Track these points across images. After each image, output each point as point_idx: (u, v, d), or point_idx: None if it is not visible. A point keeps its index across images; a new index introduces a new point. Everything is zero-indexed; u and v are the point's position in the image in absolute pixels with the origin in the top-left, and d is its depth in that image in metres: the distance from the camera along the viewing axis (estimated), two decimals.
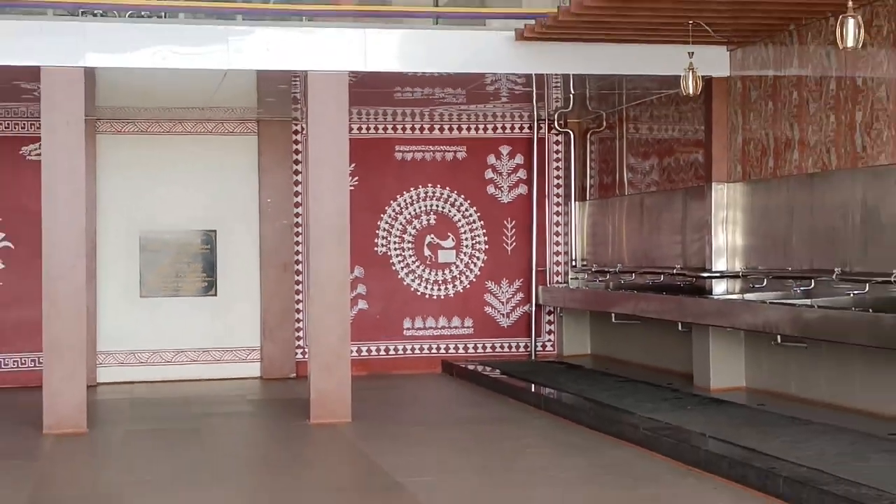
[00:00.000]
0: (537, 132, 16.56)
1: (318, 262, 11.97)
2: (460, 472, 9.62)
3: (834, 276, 10.78)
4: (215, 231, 15.84)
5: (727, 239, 13.00)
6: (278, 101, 14.37)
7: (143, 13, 12.06)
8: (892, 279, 9.88)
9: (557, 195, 16.84)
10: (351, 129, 12.52)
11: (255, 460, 10.48)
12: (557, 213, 16.84)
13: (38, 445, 10.68)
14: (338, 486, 9.00)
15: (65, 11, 11.77)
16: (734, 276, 12.85)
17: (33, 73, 11.37)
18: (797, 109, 11.75)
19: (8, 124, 14.75)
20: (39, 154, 11.68)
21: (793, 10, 10.87)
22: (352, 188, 13.24)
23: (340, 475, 9.58)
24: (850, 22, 8.96)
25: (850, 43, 9.09)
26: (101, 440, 11.08)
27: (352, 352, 12.57)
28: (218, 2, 12.15)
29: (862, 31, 9.17)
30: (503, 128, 16.65)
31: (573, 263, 16.76)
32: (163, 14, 12.18)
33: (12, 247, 14.85)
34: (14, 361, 14.60)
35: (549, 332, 16.75)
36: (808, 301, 11.04)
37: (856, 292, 10.39)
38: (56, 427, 11.10)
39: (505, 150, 16.62)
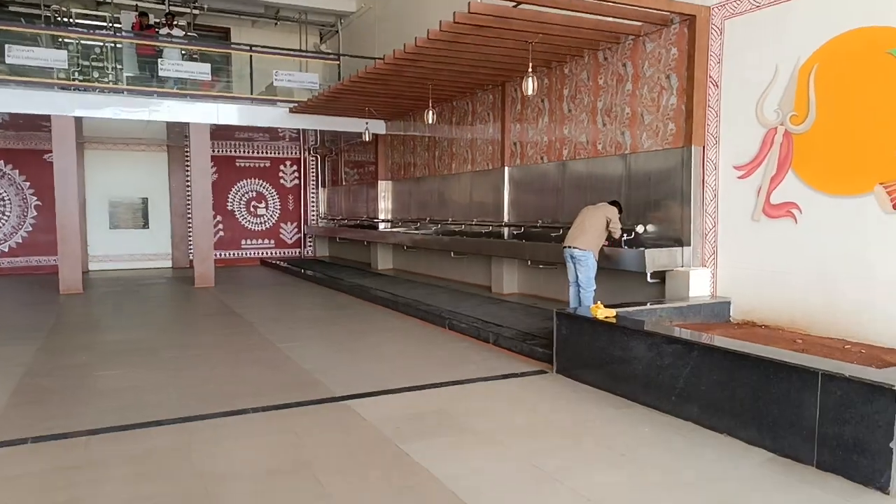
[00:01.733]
0: (303, 155, 16.39)
1: (197, 213, 11.73)
2: (265, 304, 9.80)
3: (427, 221, 11.39)
4: (148, 198, 14.95)
5: (385, 205, 13.30)
6: (177, 135, 13.76)
7: (104, 90, 11.48)
8: (449, 222, 10.67)
9: (313, 184, 16.63)
10: (213, 150, 12.35)
11: (167, 302, 10.17)
12: (313, 193, 16.62)
13: (58, 298, 10.30)
14: (206, 313, 9.04)
15: (64, 87, 11.03)
16: (388, 221, 13.13)
17: (47, 118, 10.70)
18: (413, 150, 12.14)
19: (36, 143, 13.57)
20: (52, 158, 10.95)
21: (408, 106, 11.22)
22: (213, 178, 13.19)
23: (208, 308, 9.46)
24: (431, 113, 9.75)
25: (430, 121, 9.88)
26: (89, 296, 10.63)
27: (215, 255, 12.31)
28: (145, 87, 11.58)
29: (435, 116, 10.04)
30: (287, 152, 16.22)
31: (320, 215, 16.63)
32: (116, 91, 11.56)
33: (41, 203, 13.72)
34: (46, 260, 13.63)
35: (309, 246, 16.60)
36: (415, 231, 11.64)
37: (435, 227, 11.09)
38: (66, 290, 10.73)
39: (288, 163, 16.29)
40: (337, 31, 15.26)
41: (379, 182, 13.34)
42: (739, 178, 6.10)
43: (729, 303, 6.13)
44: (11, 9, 13.11)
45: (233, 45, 13.96)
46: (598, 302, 5.49)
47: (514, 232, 9.15)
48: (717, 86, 6.27)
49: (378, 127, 12.83)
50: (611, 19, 6.57)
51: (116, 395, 4.96)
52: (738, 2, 6.08)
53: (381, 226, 13.18)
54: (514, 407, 4.69)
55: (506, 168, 9.30)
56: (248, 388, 5.12)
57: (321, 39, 15.89)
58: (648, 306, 5.81)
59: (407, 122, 12.35)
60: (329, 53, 14.57)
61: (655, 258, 6.39)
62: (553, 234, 8.14)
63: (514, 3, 5.80)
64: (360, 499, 3.20)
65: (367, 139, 12.09)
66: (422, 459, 3.62)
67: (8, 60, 10.30)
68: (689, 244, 6.43)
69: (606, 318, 5.17)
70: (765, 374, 3.83)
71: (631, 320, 5.18)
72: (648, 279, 6.47)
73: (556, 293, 8.38)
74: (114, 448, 3.85)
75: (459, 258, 10.42)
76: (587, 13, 6.25)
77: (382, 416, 4.38)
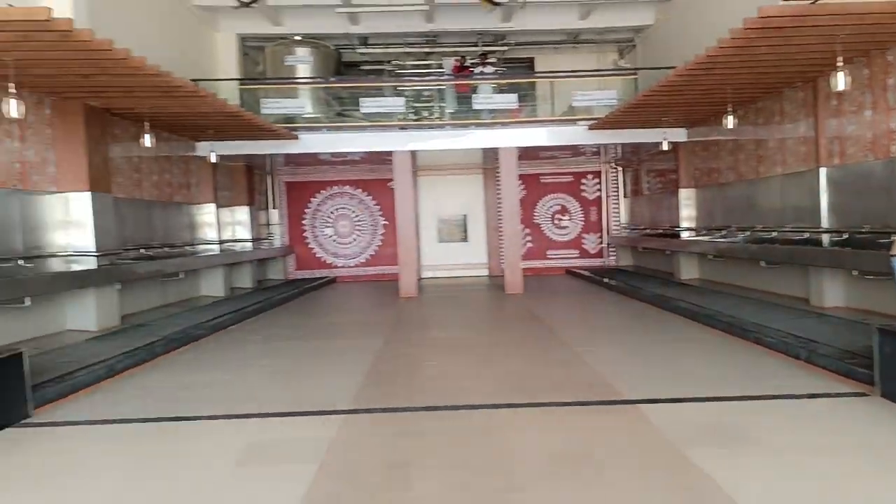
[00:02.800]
0: (603, 167, 16.58)
1: (508, 227, 12.67)
2: (567, 311, 10.25)
3: (733, 228, 10.72)
4: (467, 214, 16.52)
5: (687, 213, 12.80)
6: (490, 159, 14.86)
7: (431, 126, 13.13)
8: (757, 229, 9.91)
9: (614, 195, 16.64)
10: (520, 169, 13.18)
11: (482, 306, 11.24)
12: (614, 204, 16.60)
13: (398, 301, 11.92)
14: (513, 317, 9.80)
15: (400, 128, 12.84)
16: (691, 229, 12.60)
17: (389, 153, 12.58)
18: (715, 155, 11.56)
19: (381, 174, 15.78)
20: (393, 185, 12.82)
21: (708, 111, 10.70)
22: (521, 195, 14.13)
23: (516, 312, 10.16)
24: (731, 118, 9.31)
25: (730, 126, 9.40)
26: (422, 299, 12.12)
27: (523, 265, 13.00)
28: (463, 120, 13.05)
29: (736, 120, 9.47)
30: (588, 166, 16.51)
31: (622, 225, 16.56)
32: (440, 126, 13.21)
33: (387, 223, 16.12)
34: (390, 269, 15.43)
35: (612, 255, 16.65)
36: (720, 240, 11.02)
37: (742, 235, 10.43)
38: (405, 294, 12.38)
39: (589, 176, 16.60)
40: (635, 46, 15.21)
41: (680, 190, 12.91)
42: None
43: None
44: (363, 67, 15.88)
45: (536, 74, 14.84)
46: None
47: (835, 238, 8.13)
48: None
49: (677, 135, 12.47)
50: None
51: (439, 381, 5.84)
52: None
53: (684, 234, 12.73)
54: (820, 427, 4.31)
55: (821, 168, 8.35)
56: (545, 385, 5.56)
57: (620, 55, 15.96)
58: None
59: (708, 128, 11.79)
60: (626, 69, 14.58)
61: None
62: (881, 241, 7.07)
63: (812, 0, 5.31)
64: (638, 492, 3.35)
65: (666, 148, 11.84)
66: (706, 466, 3.61)
67: (362, 110, 12.58)
68: None
69: None
70: None
71: None
72: None
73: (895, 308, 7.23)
74: (436, 423, 4.60)
75: (770, 268, 9.60)
76: None
77: (671, 422, 4.41)
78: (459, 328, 8.98)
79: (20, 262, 7.48)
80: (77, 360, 6.32)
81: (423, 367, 6.53)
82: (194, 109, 9.31)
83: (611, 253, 16.79)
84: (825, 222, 8.39)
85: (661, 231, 14.02)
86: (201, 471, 3.81)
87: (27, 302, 7.15)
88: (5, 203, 7.43)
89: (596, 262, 16.77)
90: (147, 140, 9.42)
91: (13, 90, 6.19)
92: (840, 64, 6.19)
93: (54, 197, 8.27)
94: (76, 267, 8.31)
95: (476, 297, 12.67)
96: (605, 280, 13.19)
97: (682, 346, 7.14)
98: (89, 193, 8.40)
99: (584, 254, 16.83)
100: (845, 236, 7.92)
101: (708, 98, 9.59)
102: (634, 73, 13.20)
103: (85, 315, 8.37)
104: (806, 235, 8.70)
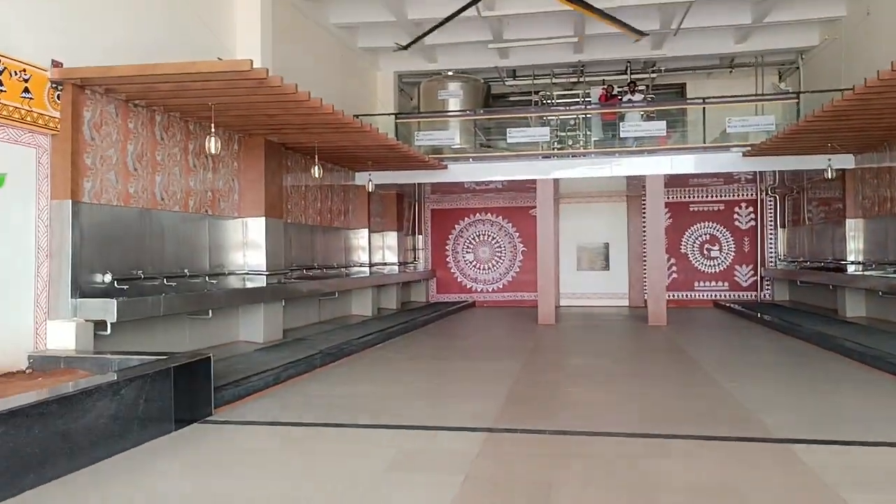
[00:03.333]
0: (759, 196, 15.74)
1: (651, 255, 12.41)
2: (714, 346, 9.88)
3: None
4: (608, 243, 16.35)
5: (854, 245, 11.95)
6: (635, 186, 14.66)
7: (575, 154, 13.30)
8: None
9: (771, 225, 15.71)
10: (667, 197, 12.91)
11: (622, 336, 11.03)
12: (771, 234, 15.67)
13: (536, 327, 12.06)
14: (656, 349, 9.59)
15: (545, 156, 13.22)
16: (858, 263, 11.72)
17: (533, 181, 12.82)
18: (889, 183, 10.67)
19: (522, 201, 16.22)
20: (535, 212, 13.09)
21: (881, 136, 10.05)
22: (667, 223, 13.74)
23: (658, 344, 9.94)
24: None
25: None
26: (560, 327, 12.14)
27: (668, 296, 12.73)
28: (608, 148, 13.08)
29: None
30: (742, 194, 15.76)
31: (779, 256, 15.57)
32: (585, 154, 13.34)
33: (526, 249, 16.36)
34: (528, 295, 15.81)
35: (766, 289, 15.65)
36: (893, 275, 10.13)
37: None
38: (543, 321, 12.44)
39: (743, 205, 15.80)
40: (797, 68, 14.39)
41: (847, 220, 12.03)
42: None
43: None
44: (511, 98, 16.36)
45: (687, 101, 14.51)
46: None
47: None
48: None
49: (844, 161, 11.65)
50: None
51: (578, 407, 5.92)
52: None
53: (850, 268, 11.84)
54: None
55: None
56: (688, 417, 5.46)
57: (780, 78, 15.18)
58: None
59: (881, 154, 10.92)
60: (787, 92, 13.82)
61: None
62: None
63: None
64: None
65: (830, 176, 11.08)
66: None
67: (509, 140, 12.99)
68: None
69: None
70: None
71: None
72: None
73: None
74: (575, 447, 4.70)
75: None
76: None
77: (825, 464, 4.19)
78: (599, 357, 8.94)
79: (206, 278, 8.54)
80: (249, 368, 7.09)
81: (562, 392, 6.62)
82: (358, 143, 10.14)
83: (766, 287, 15.81)
84: None
85: (822, 264, 13.13)
86: (355, 473, 4.19)
87: (210, 314, 8.12)
88: (198, 226, 8.55)
89: (748, 296, 15.91)
90: (316, 171, 10.39)
91: (213, 130, 7.22)
92: None
93: (236, 221, 9.36)
94: (249, 284, 9.31)
95: (616, 326, 12.51)
96: (759, 315, 12.52)
97: (846, 387, 6.71)
98: (264, 219, 9.40)
99: (735, 286, 15.99)
100: None
101: (881, 122, 8.96)
102: (795, 97, 12.49)
103: (254, 328, 9.31)
104: None
